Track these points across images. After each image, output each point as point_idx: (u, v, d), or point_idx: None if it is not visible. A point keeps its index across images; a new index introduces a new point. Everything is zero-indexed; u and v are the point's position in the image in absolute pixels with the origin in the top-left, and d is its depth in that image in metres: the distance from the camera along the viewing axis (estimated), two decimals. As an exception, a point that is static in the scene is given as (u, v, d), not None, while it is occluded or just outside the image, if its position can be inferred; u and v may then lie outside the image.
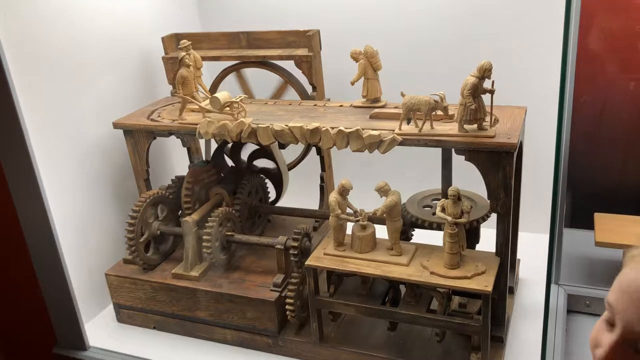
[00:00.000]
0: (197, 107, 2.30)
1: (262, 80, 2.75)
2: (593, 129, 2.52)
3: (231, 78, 2.74)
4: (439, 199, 2.17)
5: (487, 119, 1.88)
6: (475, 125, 1.88)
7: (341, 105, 2.32)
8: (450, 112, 1.94)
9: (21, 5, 2.14)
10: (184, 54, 2.28)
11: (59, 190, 2.32)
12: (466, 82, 1.85)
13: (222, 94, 2.22)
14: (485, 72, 1.82)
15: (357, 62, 2.23)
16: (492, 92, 1.86)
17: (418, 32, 2.71)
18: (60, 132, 2.34)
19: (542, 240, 1.89)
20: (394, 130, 1.95)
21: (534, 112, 2.16)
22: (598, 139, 2.57)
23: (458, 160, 1.99)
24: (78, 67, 2.41)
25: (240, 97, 2.21)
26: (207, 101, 2.27)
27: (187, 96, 2.29)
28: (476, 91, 1.84)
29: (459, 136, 1.88)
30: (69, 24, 2.36)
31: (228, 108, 2.20)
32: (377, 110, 2.15)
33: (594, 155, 2.60)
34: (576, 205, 2.67)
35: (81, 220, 2.46)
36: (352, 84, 2.26)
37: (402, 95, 1.94)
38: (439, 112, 1.93)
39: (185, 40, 2.33)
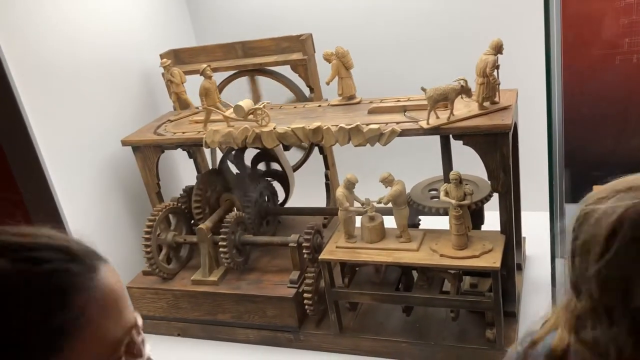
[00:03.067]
0: (222, 116, 2.32)
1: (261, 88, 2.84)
2: (586, 103, 2.59)
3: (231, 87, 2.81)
4: (436, 189, 2.25)
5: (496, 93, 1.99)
6: (488, 102, 1.98)
7: (319, 105, 2.40)
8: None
9: (29, 34, 2.24)
10: (204, 65, 2.34)
11: (76, 210, 2.39)
12: (485, 60, 1.93)
13: (245, 102, 2.24)
14: (500, 49, 1.92)
15: (330, 63, 2.31)
16: (498, 67, 1.95)
17: (403, 28, 2.80)
18: (72, 154, 2.42)
19: (546, 217, 1.97)
20: (419, 120, 2.00)
21: (526, 93, 2.23)
22: (592, 112, 2.64)
23: (455, 146, 2.06)
24: (83, 89, 2.50)
25: (263, 103, 2.24)
26: (231, 110, 2.29)
27: (211, 107, 2.34)
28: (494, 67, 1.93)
29: (481, 115, 1.96)
30: (73, 48, 2.45)
31: (252, 115, 2.22)
32: (374, 105, 2.23)
33: (590, 129, 2.67)
34: (577, 181, 2.73)
35: (98, 236, 2.49)
36: (327, 83, 2.34)
37: (423, 90, 1.97)
38: (465, 97, 1.99)
39: (165, 60, 2.38)
